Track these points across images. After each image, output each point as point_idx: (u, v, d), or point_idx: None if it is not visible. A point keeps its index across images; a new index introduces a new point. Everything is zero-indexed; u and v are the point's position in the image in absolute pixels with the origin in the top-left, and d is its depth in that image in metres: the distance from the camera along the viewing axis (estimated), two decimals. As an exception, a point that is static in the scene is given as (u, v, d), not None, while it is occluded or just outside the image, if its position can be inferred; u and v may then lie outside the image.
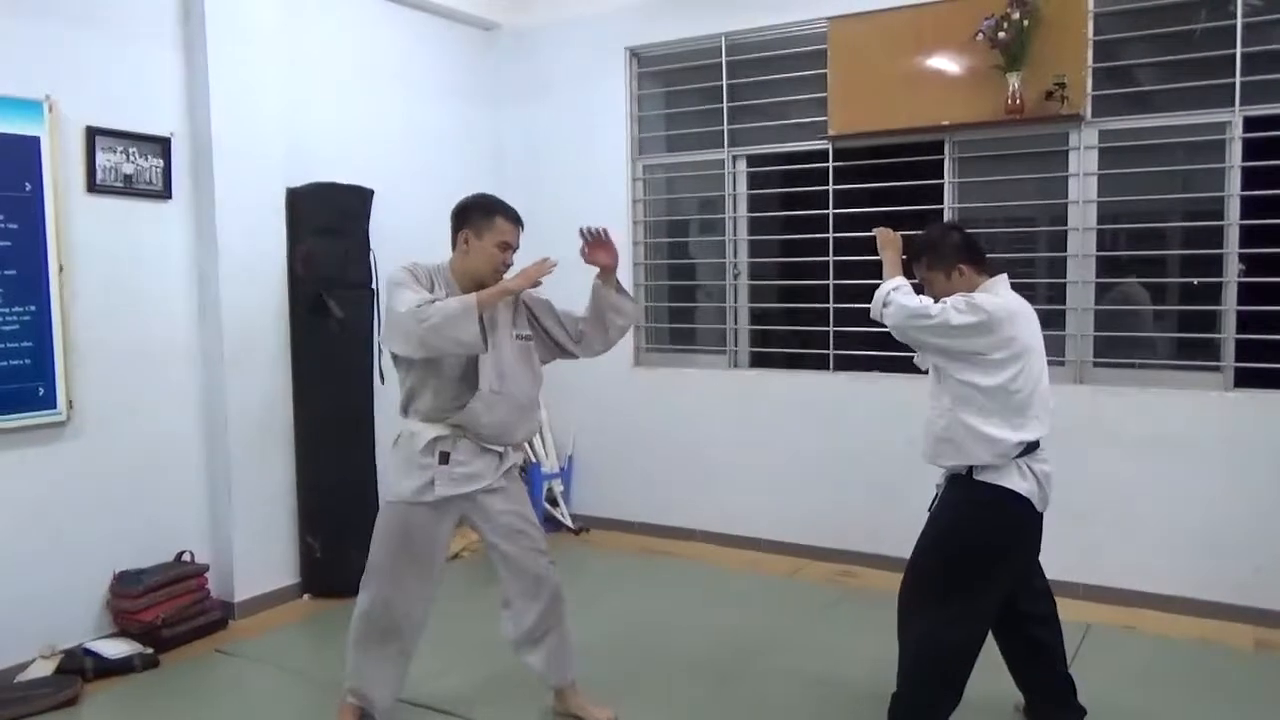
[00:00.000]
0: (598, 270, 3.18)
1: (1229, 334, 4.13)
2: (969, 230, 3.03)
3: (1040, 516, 2.83)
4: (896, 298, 2.82)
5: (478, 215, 2.98)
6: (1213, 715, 3.20)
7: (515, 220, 3.03)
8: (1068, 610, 4.06)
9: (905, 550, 4.88)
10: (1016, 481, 2.73)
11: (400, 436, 3.05)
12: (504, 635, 3.15)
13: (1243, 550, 4.03)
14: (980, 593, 2.77)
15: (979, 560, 2.76)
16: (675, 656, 3.71)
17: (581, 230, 3.13)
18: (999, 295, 2.78)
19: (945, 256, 2.87)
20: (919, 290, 2.91)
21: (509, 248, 3.01)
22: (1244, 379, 4.13)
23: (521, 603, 3.10)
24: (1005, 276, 2.88)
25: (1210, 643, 3.83)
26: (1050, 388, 2.84)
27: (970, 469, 2.77)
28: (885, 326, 2.89)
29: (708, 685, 3.46)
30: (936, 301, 2.79)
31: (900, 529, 4.70)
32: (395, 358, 3.00)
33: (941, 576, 2.79)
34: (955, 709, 2.82)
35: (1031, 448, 2.75)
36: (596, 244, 3.14)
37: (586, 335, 3.22)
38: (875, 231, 3.09)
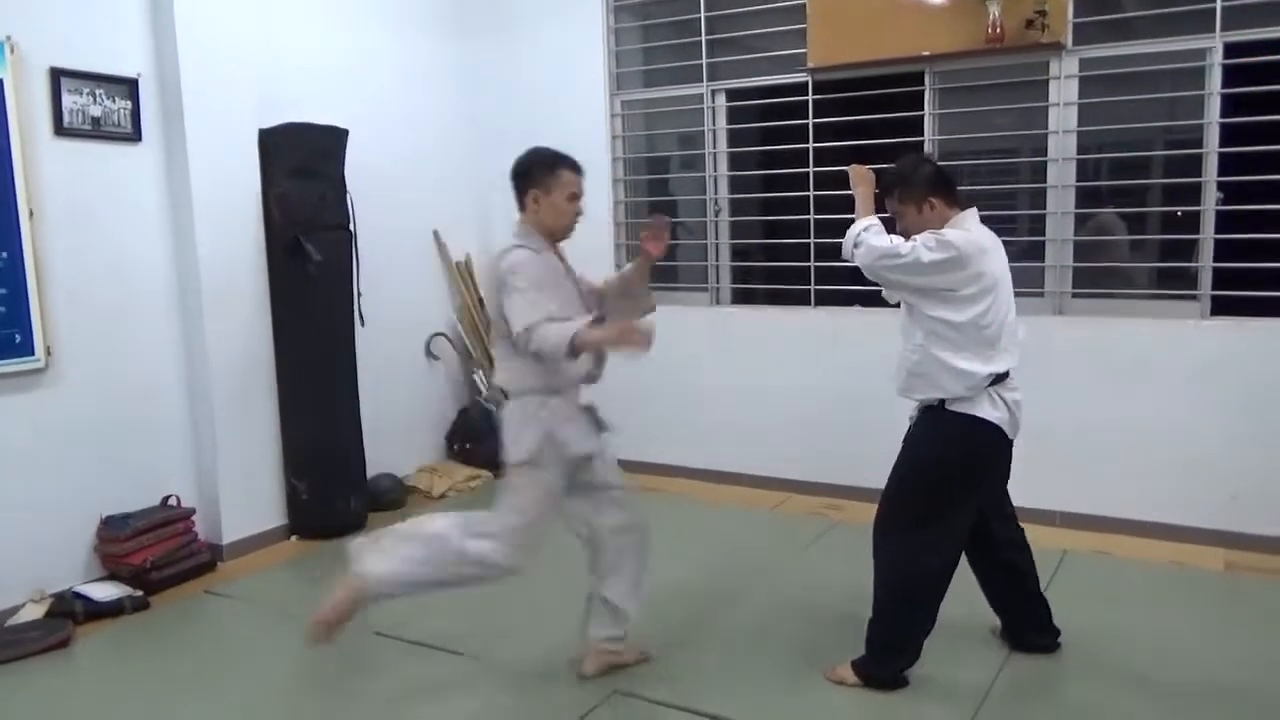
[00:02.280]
0: (640, 256, 3.08)
1: (1206, 263, 4.15)
2: (943, 163, 3.02)
3: (1010, 443, 2.89)
4: (867, 238, 2.82)
5: (542, 171, 2.92)
6: (1183, 633, 3.28)
7: (579, 170, 2.98)
8: (1044, 537, 4.17)
9: (883, 481, 4.96)
10: (988, 410, 2.79)
11: (526, 400, 2.95)
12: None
13: (1216, 476, 4.10)
14: (952, 518, 2.85)
15: (952, 486, 2.83)
16: (661, 589, 3.76)
17: (653, 220, 3.04)
18: (969, 230, 2.79)
19: (916, 189, 2.87)
20: (890, 227, 2.90)
21: (577, 198, 2.97)
22: (1220, 307, 4.16)
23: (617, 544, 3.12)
24: (975, 210, 2.89)
25: (1182, 565, 3.91)
26: (1019, 319, 2.88)
27: (943, 400, 2.82)
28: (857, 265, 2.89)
29: (693, 615, 3.52)
30: (908, 236, 2.80)
31: (883, 461, 4.74)
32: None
33: (917, 503, 2.85)
34: (930, 631, 2.90)
35: (1002, 377, 2.80)
36: (659, 235, 3.03)
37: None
38: (848, 169, 3.08)
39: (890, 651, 2.92)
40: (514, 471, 2.93)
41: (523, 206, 2.96)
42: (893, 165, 3.00)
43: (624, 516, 3.05)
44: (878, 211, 2.95)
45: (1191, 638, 3.25)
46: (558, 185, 2.91)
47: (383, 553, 2.92)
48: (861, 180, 3.01)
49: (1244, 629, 3.34)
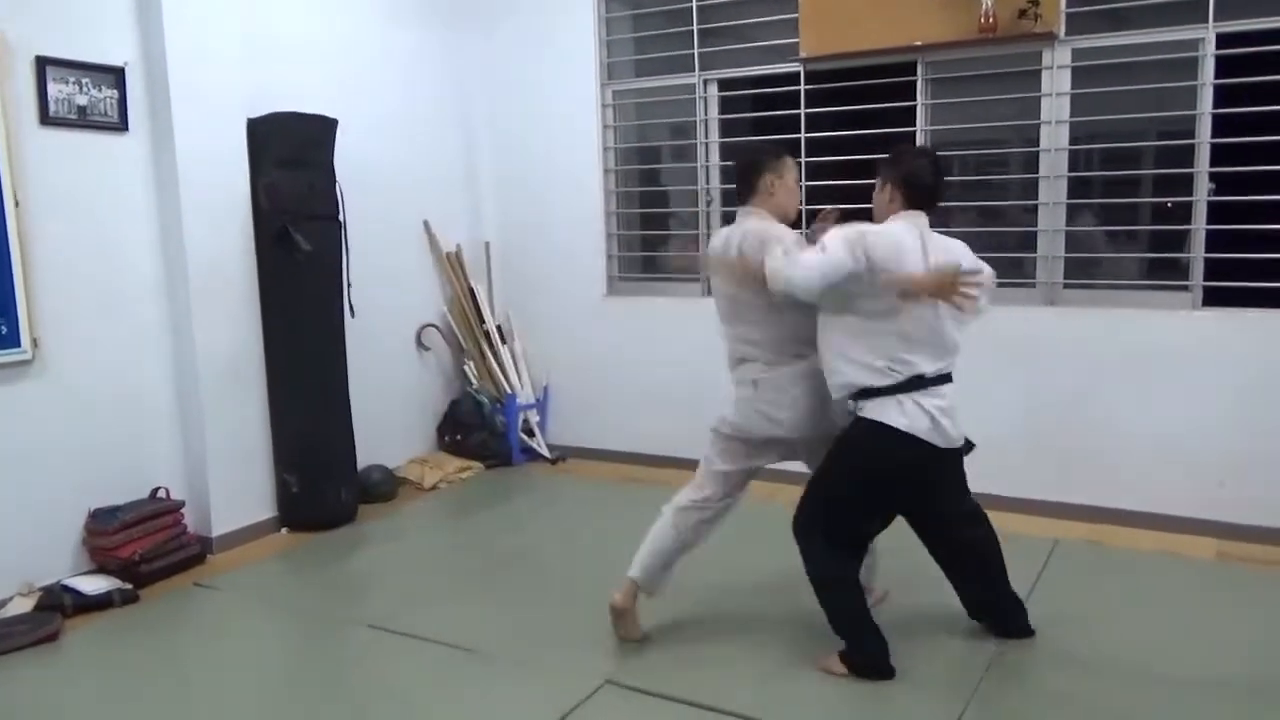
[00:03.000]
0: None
1: (1198, 253, 4.15)
2: (937, 154, 3.01)
3: (937, 451, 2.83)
4: (783, 275, 2.79)
5: (773, 160, 3.11)
6: (1175, 622, 3.29)
7: (795, 155, 3.16)
8: (1036, 526, 4.19)
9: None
10: (895, 416, 2.77)
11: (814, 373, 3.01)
12: None
13: (1208, 466, 4.12)
14: (856, 525, 2.93)
15: (854, 496, 2.89)
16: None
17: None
18: (887, 228, 2.84)
19: (891, 170, 2.92)
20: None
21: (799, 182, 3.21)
22: (1212, 298, 4.17)
23: None
24: (924, 215, 2.90)
25: (1174, 555, 3.92)
26: (955, 328, 2.87)
27: (856, 406, 2.83)
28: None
29: (684, 607, 3.51)
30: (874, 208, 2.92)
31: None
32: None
33: (822, 507, 2.92)
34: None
35: (920, 383, 2.78)
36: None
37: None
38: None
39: (854, 641, 2.94)
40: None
41: (752, 193, 3.10)
42: (904, 146, 3.08)
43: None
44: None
45: (1183, 627, 3.26)
46: (787, 170, 3.11)
47: None
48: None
49: (1235, 618, 3.35)
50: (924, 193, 2.92)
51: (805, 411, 3.00)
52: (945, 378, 2.86)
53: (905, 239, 2.81)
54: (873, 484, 2.89)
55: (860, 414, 2.82)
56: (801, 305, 2.87)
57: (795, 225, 3.16)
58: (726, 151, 5.28)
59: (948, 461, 2.92)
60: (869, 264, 2.72)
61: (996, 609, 3.15)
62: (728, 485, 3.18)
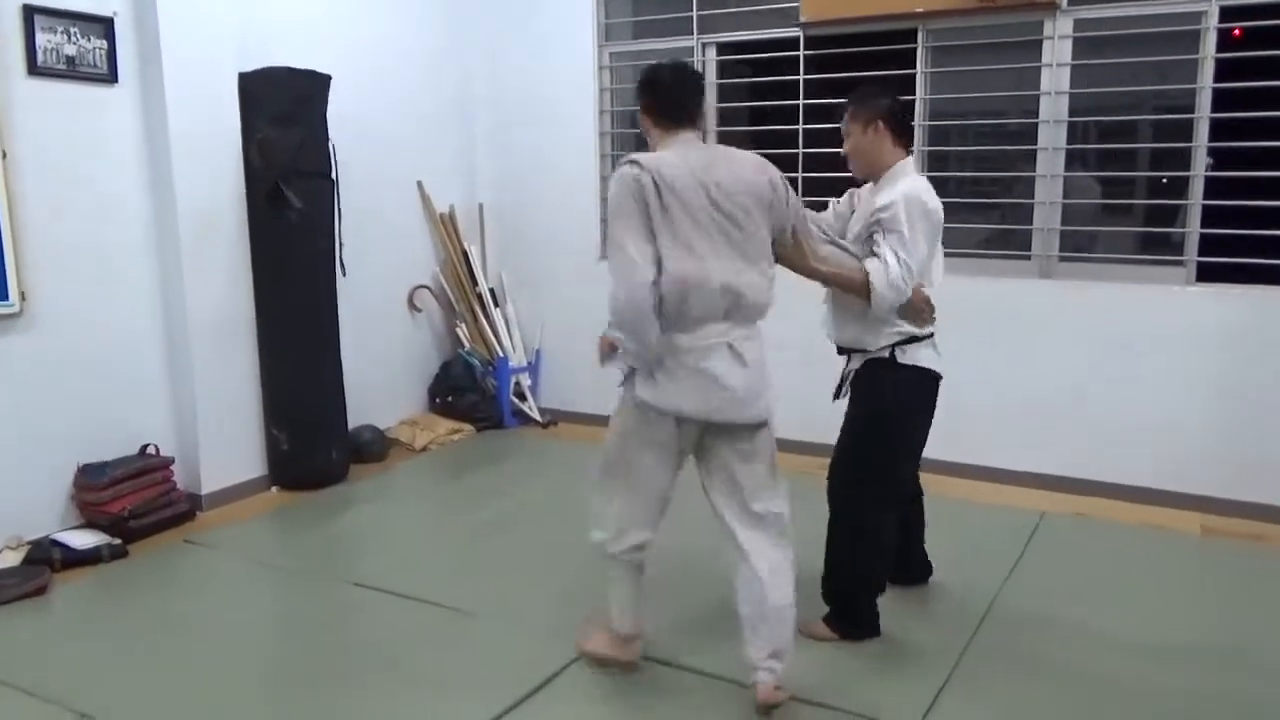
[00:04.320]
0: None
1: (1193, 229, 4.14)
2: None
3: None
4: (888, 296, 2.72)
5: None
6: (1159, 596, 3.32)
7: None
8: (1023, 499, 4.21)
9: (825, 435, 4.94)
10: (933, 359, 2.87)
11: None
12: None
13: (1195, 441, 4.14)
14: (897, 467, 2.96)
15: (901, 437, 2.93)
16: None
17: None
18: (914, 178, 2.82)
19: (869, 111, 2.85)
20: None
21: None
22: (1205, 274, 4.17)
23: None
24: (913, 160, 2.91)
25: (1160, 529, 3.95)
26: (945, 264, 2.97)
27: (893, 350, 2.83)
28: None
29: (667, 574, 3.52)
30: (852, 157, 2.90)
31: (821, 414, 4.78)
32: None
33: (871, 457, 2.91)
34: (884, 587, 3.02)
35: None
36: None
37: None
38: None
39: (852, 601, 2.98)
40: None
41: (699, 115, 2.69)
42: (862, 88, 3.00)
43: None
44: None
45: (1167, 600, 3.29)
46: None
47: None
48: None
49: (1218, 592, 3.39)
50: (909, 128, 2.93)
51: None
52: None
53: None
54: (915, 426, 2.94)
55: (901, 360, 2.83)
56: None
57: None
58: (722, 116, 5.24)
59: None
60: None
61: (912, 561, 3.29)
62: None
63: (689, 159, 2.52)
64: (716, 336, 2.49)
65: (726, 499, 2.65)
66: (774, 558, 2.62)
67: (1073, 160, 4.41)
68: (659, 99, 2.63)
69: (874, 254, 2.76)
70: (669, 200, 2.44)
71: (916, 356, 2.84)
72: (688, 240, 2.45)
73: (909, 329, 2.82)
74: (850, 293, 2.78)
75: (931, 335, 2.87)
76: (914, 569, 3.31)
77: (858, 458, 2.93)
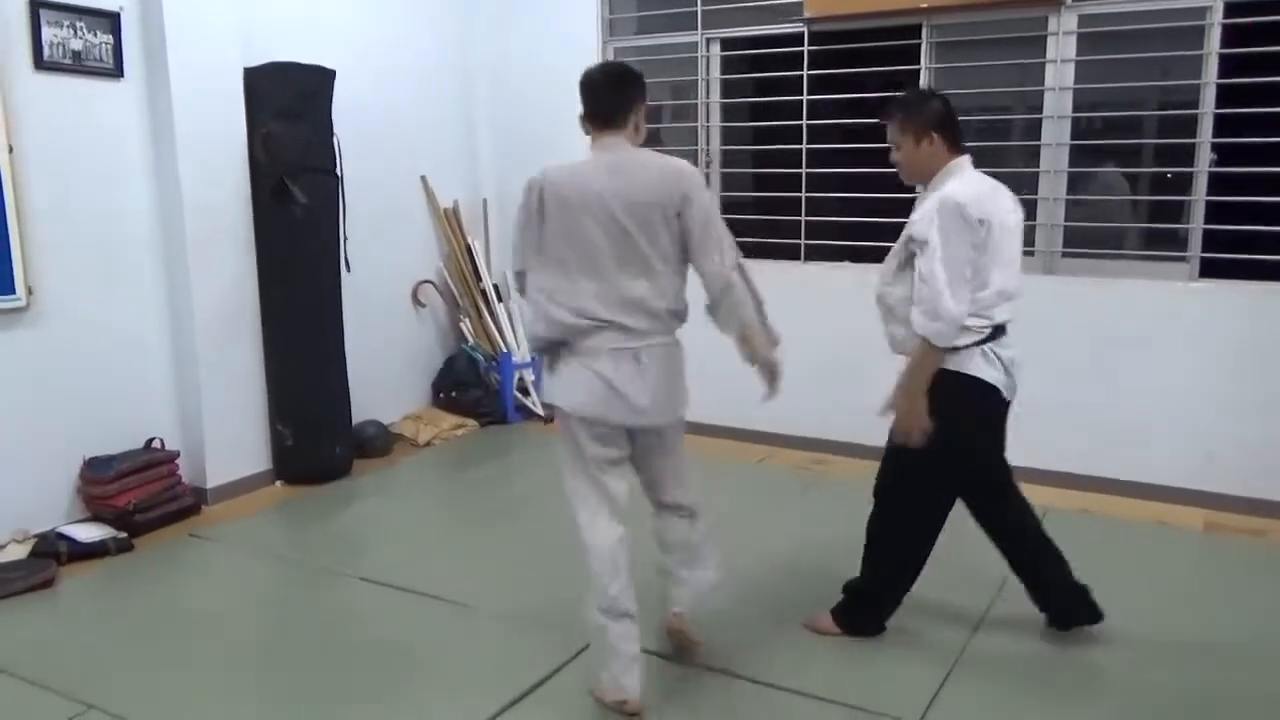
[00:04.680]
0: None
1: (1197, 224, 4.14)
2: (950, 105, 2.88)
3: (1007, 405, 2.79)
4: (928, 322, 2.60)
5: (644, 88, 2.66)
6: (1162, 591, 3.32)
7: None
8: (1027, 495, 4.20)
9: (873, 438, 4.96)
10: (983, 368, 2.67)
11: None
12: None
13: (1199, 437, 4.14)
14: (943, 477, 2.80)
15: (946, 449, 2.71)
16: (644, 541, 3.79)
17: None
18: (967, 181, 2.70)
19: (919, 121, 2.73)
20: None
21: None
22: (1209, 270, 4.16)
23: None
24: (969, 159, 2.78)
25: (1163, 525, 3.96)
26: (1020, 274, 2.76)
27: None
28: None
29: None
30: (902, 169, 2.77)
31: (869, 417, 4.78)
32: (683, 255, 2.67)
33: (910, 464, 2.78)
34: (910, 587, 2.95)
35: (998, 332, 2.69)
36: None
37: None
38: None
39: (872, 603, 2.96)
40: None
41: (627, 114, 2.60)
42: (905, 94, 2.88)
43: None
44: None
45: (1170, 596, 3.30)
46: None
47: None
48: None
49: (1222, 588, 3.39)
50: (960, 130, 2.79)
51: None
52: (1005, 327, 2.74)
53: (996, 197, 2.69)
54: (963, 437, 2.73)
55: (944, 366, 2.66)
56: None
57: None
58: (726, 112, 5.24)
59: (1005, 416, 2.83)
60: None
61: (1051, 595, 2.98)
62: None
63: (598, 165, 2.54)
64: (611, 343, 2.54)
65: (644, 488, 2.86)
66: (689, 537, 2.87)
67: (1077, 156, 4.41)
68: (584, 101, 2.63)
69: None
70: (550, 211, 2.52)
71: (964, 364, 2.66)
72: (559, 254, 2.52)
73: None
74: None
75: (986, 341, 2.66)
76: (1054, 607, 2.98)
77: (894, 467, 2.87)
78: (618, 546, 2.64)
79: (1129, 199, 4.56)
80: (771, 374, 2.79)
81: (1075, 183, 4.45)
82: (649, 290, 2.55)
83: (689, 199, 2.54)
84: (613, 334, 2.53)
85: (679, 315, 2.67)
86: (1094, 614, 2.94)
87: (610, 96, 2.59)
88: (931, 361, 2.65)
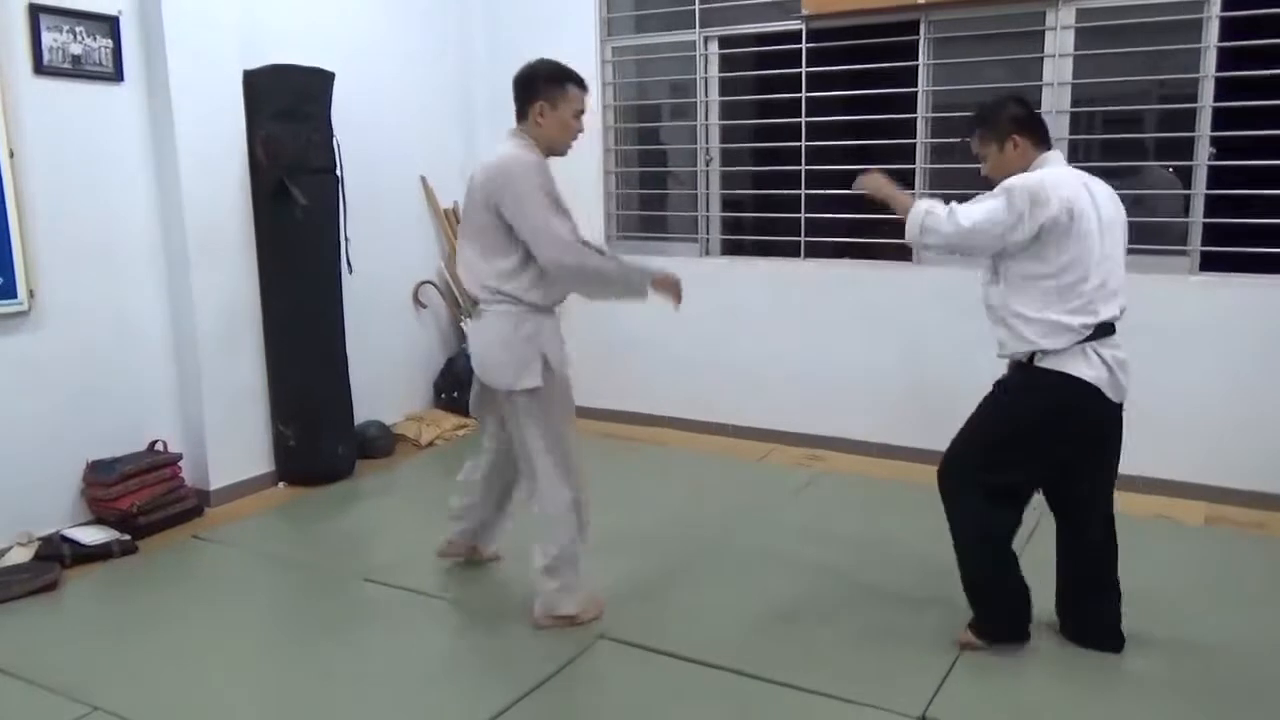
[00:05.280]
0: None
1: (1196, 218, 4.14)
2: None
3: (1115, 407, 2.71)
4: (932, 224, 2.68)
5: (548, 85, 2.91)
6: (1163, 585, 3.32)
7: (585, 86, 2.99)
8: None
9: (872, 435, 4.97)
10: (1081, 368, 2.62)
11: (519, 321, 2.92)
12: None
13: (1199, 430, 4.14)
14: (1016, 471, 2.73)
15: (1021, 437, 2.71)
16: (644, 538, 3.80)
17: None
18: (1051, 170, 2.67)
19: (999, 128, 2.74)
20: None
21: (582, 114, 2.98)
22: (1210, 263, 4.17)
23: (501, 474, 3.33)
24: (1059, 153, 2.78)
25: (1164, 518, 3.96)
26: (1123, 270, 2.75)
27: (1032, 355, 2.68)
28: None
29: (677, 564, 3.55)
30: (991, 178, 2.73)
31: (868, 413, 4.82)
32: (513, 242, 2.87)
33: (979, 456, 2.75)
34: (1026, 593, 2.87)
35: (1102, 331, 2.65)
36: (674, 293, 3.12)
37: None
38: (857, 186, 2.91)
39: (988, 606, 2.87)
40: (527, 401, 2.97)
41: (523, 117, 2.95)
42: (981, 104, 2.89)
43: None
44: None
45: (1171, 589, 3.30)
46: (564, 100, 2.92)
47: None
48: (872, 184, 2.87)
49: (1222, 581, 3.40)
50: (1044, 124, 2.79)
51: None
52: (1114, 325, 2.71)
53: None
54: (1046, 434, 2.70)
55: (1039, 364, 2.66)
56: None
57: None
58: (726, 110, 5.25)
59: (1115, 419, 2.77)
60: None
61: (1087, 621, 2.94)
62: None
63: (489, 153, 2.97)
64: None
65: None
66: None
67: (1076, 151, 4.41)
68: None
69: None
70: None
71: (1063, 363, 2.63)
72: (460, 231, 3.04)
73: (1037, 339, 2.63)
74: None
75: (1089, 340, 2.63)
76: (1087, 628, 2.91)
77: (958, 450, 2.83)
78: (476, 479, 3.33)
79: (1126, 194, 4.54)
80: (672, 293, 3.11)
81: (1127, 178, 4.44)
82: (467, 265, 2.98)
83: (502, 200, 2.82)
84: (479, 302, 2.99)
85: (495, 292, 2.92)
86: (1117, 644, 2.88)
87: (516, 94, 2.96)
88: (901, 210, 2.78)
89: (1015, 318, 2.68)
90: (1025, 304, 2.66)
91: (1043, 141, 2.77)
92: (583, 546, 3.05)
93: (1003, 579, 2.85)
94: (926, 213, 2.72)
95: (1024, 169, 2.72)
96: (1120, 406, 2.74)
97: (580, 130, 3.00)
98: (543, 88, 2.90)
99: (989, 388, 2.86)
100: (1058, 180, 2.63)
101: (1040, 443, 2.72)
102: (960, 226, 2.65)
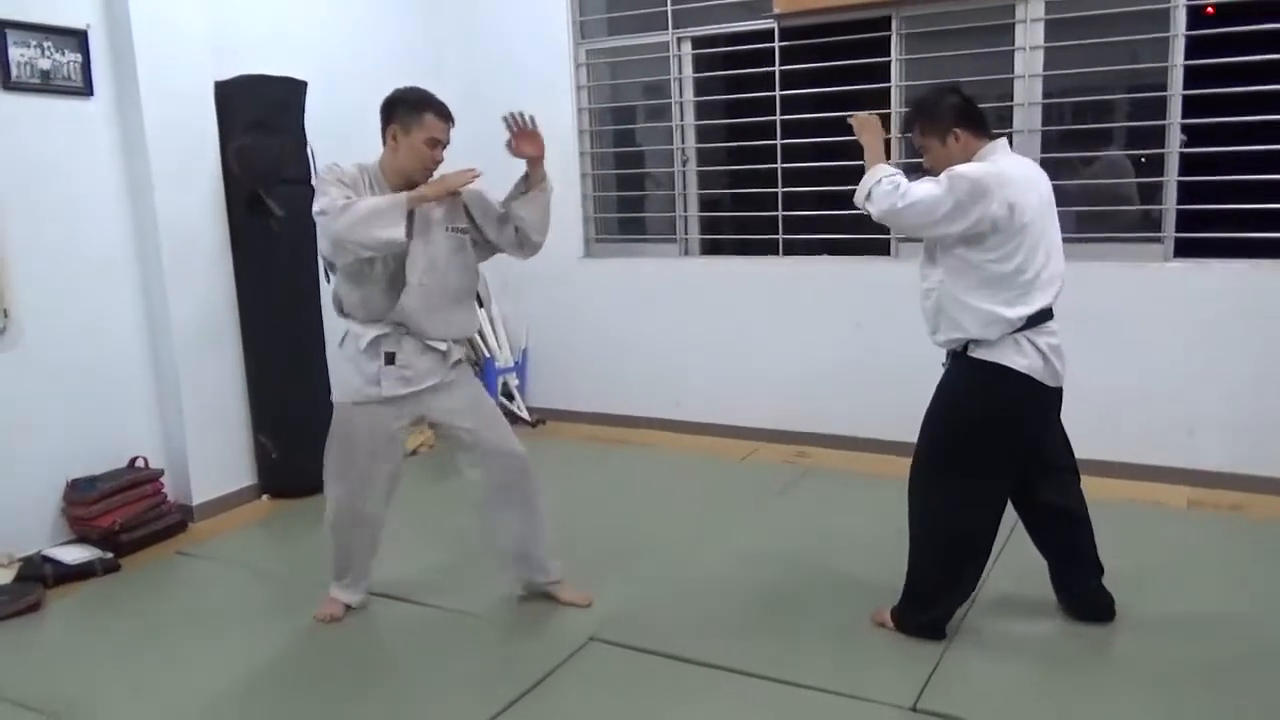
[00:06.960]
0: (526, 164, 3.05)
1: (1170, 205, 4.18)
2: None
3: (1051, 392, 2.72)
4: (877, 191, 2.67)
5: (405, 111, 2.88)
6: (1147, 569, 3.34)
7: (445, 116, 2.94)
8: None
9: (857, 430, 4.99)
10: (1014, 358, 2.63)
11: (345, 336, 3.02)
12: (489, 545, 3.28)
13: (1178, 415, 4.18)
14: (979, 473, 2.74)
15: (974, 439, 2.72)
16: (633, 540, 3.80)
17: (505, 118, 3.00)
18: (995, 161, 2.66)
19: (940, 121, 2.73)
20: (914, 169, 2.78)
21: (439, 144, 2.93)
22: (1184, 249, 4.21)
23: (499, 497, 3.17)
24: (1005, 142, 2.76)
25: (1146, 503, 4.00)
26: (1061, 257, 2.73)
27: (966, 345, 2.70)
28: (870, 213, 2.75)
29: (666, 564, 3.55)
30: (934, 173, 2.69)
31: (849, 409, 4.83)
32: (329, 260, 2.95)
33: (942, 456, 2.77)
34: (968, 592, 2.90)
35: (1037, 319, 2.64)
36: (522, 134, 3.01)
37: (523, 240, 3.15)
38: (851, 119, 2.90)
39: (919, 603, 2.88)
40: None
41: (384, 141, 2.97)
42: (919, 98, 2.88)
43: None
44: (907, 155, 2.85)
45: (1155, 573, 3.32)
46: (418, 127, 2.88)
47: None
48: (867, 128, 2.84)
49: (1206, 564, 3.43)
50: (982, 114, 2.77)
51: None
52: (1051, 311, 2.70)
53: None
54: (995, 430, 2.71)
55: (972, 354, 2.67)
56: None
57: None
58: (701, 110, 5.26)
59: (1054, 402, 2.78)
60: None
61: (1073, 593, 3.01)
62: None
63: None
64: None
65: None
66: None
67: (1048, 142, 4.45)
68: None
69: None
70: None
71: (993, 353, 2.64)
72: None
73: (971, 328, 2.64)
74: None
75: (1022, 329, 2.63)
76: (1077, 601, 2.99)
77: (921, 453, 2.85)
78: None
79: (1097, 183, 4.59)
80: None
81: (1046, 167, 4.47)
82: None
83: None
84: None
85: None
86: (1108, 613, 2.96)
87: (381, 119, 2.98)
88: (868, 168, 2.75)
89: (952, 303, 2.68)
90: (962, 289, 2.66)
91: (984, 132, 2.76)
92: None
93: (947, 591, 2.87)
94: (877, 181, 2.69)
95: (966, 160, 2.70)
96: (1059, 391, 2.76)
97: (438, 160, 2.95)
98: (400, 113, 2.89)
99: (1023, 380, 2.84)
100: (1003, 175, 2.61)
101: (990, 442, 2.73)
102: (894, 205, 2.63)
